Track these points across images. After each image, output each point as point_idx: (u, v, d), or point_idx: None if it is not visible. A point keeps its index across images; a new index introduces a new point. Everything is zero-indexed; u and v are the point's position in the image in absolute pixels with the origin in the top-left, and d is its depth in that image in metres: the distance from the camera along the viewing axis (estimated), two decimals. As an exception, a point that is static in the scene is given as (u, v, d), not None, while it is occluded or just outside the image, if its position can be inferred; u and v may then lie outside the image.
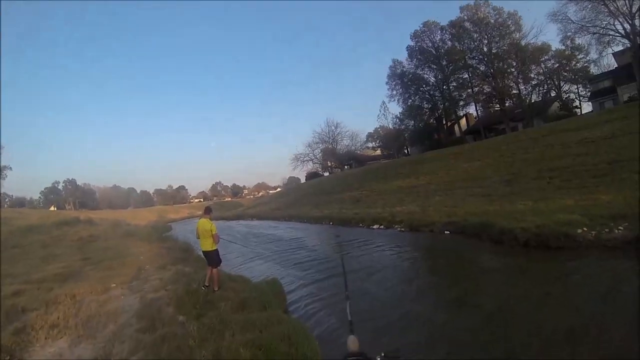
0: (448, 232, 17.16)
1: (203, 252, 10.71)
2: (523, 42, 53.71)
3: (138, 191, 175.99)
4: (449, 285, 10.21)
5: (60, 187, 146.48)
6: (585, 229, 11.42)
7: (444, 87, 64.20)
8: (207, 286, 10.32)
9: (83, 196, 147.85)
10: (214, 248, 10.40)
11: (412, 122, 70.54)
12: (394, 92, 69.84)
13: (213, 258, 10.42)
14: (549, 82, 58.58)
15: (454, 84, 63.18)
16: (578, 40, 50.68)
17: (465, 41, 57.95)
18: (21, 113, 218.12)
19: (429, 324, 7.51)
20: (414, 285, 10.38)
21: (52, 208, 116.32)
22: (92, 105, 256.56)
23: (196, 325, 7.36)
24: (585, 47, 51.30)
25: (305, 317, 8.91)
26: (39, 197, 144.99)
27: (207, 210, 11.06)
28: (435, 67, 63.82)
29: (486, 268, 11.30)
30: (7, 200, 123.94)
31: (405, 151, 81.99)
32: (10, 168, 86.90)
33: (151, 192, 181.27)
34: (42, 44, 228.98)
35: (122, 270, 14.34)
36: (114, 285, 11.98)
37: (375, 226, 23.10)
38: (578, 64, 56.35)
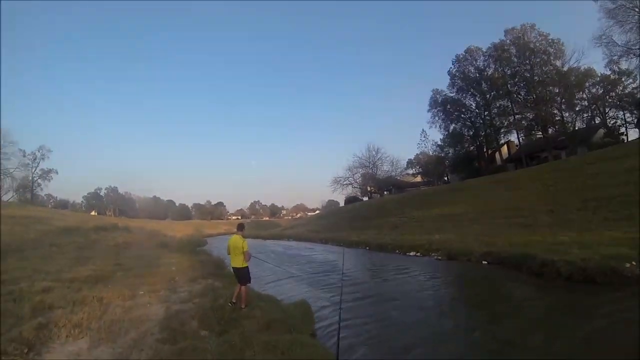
0: (486, 263, 16.69)
1: (233, 268, 10.60)
2: (566, 68, 52.38)
3: (177, 204, 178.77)
4: (479, 318, 9.89)
5: (102, 193, 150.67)
6: (634, 263, 10.86)
7: (485, 113, 63.24)
8: (234, 303, 10.22)
9: (123, 204, 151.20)
10: (245, 265, 10.31)
11: (453, 149, 69.73)
12: (436, 119, 69.35)
13: (243, 275, 10.33)
14: (593, 108, 56.92)
15: (495, 111, 62.05)
16: (624, 65, 49.24)
17: (507, 66, 57.05)
18: (67, 119, 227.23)
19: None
20: (443, 316, 10.08)
21: (93, 213, 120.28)
22: (140, 125, 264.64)
23: (217, 341, 7.28)
24: (632, 71, 49.81)
25: (332, 341, 8.45)
26: (82, 202, 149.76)
27: (240, 227, 11.00)
28: (476, 93, 63.08)
29: (525, 303, 10.71)
30: (51, 201, 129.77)
31: (445, 178, 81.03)
32: (57, 172, 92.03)
33: (190, 206, 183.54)
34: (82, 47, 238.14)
35: (152, 279, 14.49)
36: (142, 292, 12.06)
37: (412, 253, 22.72)
38: (624, 89, 54.46)
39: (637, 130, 52.96)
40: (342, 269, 14.67)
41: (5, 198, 73.84)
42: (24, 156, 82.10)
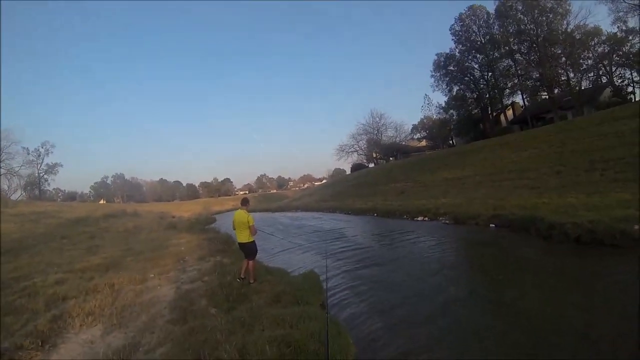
0: (493, 226, 16.73)
1: (239, 244, 10.62)
2: (572, 26, 51.34)
3: (184, 184, 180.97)
4: (482, 281, 10.01)
5: (109, 181, 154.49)
6: (643, 224, 10.82)
7: (489, 74, 62.46)
8: (243, 278, 10.32)
9: (131, 190, 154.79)
10: (251, 240, 10.35)
11: (457, 112, 69.28)
12: (439, 82, 68.51)
13: (250, 250, 10.39)
14: (599, 67, 56.08)
15: (499, 72, 61.08)
16: (630, 22, 48.18)
17: (512, 24, 55.66)
18: (69, 111, 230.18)
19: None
20: (442, 278, 10.20)
21: (101, 201, 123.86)
22: (138, 105, 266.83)
23: (225, 318, 7.33)
24: (639, 29, 48.77)
25: (341, 311, 8.66)
26: (89, 192, 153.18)
27: (244, 202, 10.98)
28: (479, 54, 62.17)
29: (532, 265, 10.73)
30: (60, 195, 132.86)
31: (451, 142, 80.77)
32: (61, 165, 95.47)
33: (197, 185, 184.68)
34: (75, 41, 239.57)
35: (161, 261, 14.63)
36: (152, 275, 12.24)
37: (419, 218, 22.90)
38: (632, 48, 53.15)
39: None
40: (326, 249, 15.09)
41: (14, 197, 75.46)
42: (28, 154, 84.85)
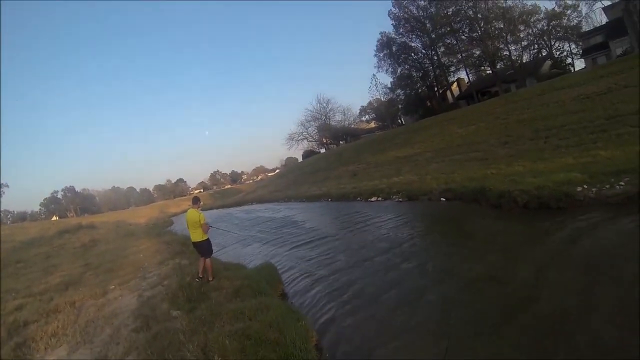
0: (444, 200, 16.97)
1: (193, 243, 10.53)
2: (510, 2, 52.63)
3: (137, 190, 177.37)
4: (427, 250, 10.44)
5: (59, 196, 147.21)
6: (585, 186, 11.13)
7: (432, 53, 63.45)
8: (201, 278, 10.30)
9: (83, 202, 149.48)
10: (205, 238, 10.24)
11: (403, 91, 70.06)
12: (383, 63, 69.24)
13: (205, 248, 10.31)
14: (539, 41, 57.76)
15: (442, 50, 62.27)
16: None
17: (449, 4, 56.70)
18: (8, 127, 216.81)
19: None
20: (391, 255, 10.44)
21: (54, 218, 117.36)
22: (80, 110, 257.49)
23: (187, 319, 7.39)
24: (575, 3, 50.46)
25: (300, 299, 8.95)
26: (40, 209, 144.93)
27: (195, 201, 10.86)
28: (421, 33, 62.89)
29: (478, 232, 11.13)
30: (9, 216, 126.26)
31: (400, 121, 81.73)
32: (7, 185, 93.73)
33: (151, 189, 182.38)
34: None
35: (121, 271, 14.50)
36: (113, 287, 12.07)
37: (373, 199, 22.97)
38: (569, 22, 55.41)
39: (582, 60, 54.13)
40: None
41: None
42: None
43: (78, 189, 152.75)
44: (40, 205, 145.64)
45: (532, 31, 55.63)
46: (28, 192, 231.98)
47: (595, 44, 49.55)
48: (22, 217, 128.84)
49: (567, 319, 5.38)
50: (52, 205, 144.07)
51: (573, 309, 5.61)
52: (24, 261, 23.74)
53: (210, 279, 10.19)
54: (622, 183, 10.44)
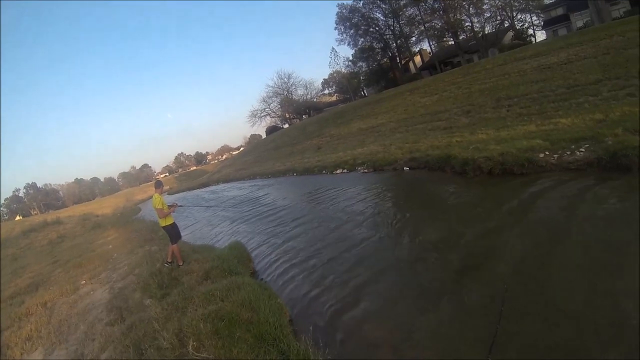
0: (408, 169, 17.03)
1: (162, 228, 10.30)
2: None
3: (102, 179, 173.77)
4: (386, 216, 10.86)
5: (21, 194, 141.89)
6: (547, 153, 11.28)
7: (394, 23, 62.94)
8: (170, 262, 10.20)
9: (46, 198, 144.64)
10: (169, 223, 10.04)
11: (365, 63, 69.81)
12: (344, 36, 67.96)
13: (172, 233, 10.10)
14: (502, 13, 58.11)
15: (405, 21, 61.68)
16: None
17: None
18: None
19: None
20: (358, 224, 10.75)
21: (17, 218, 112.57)
22: (33, 99, 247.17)
23: (160, 306, 7.34)
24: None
25: (271, 275, 9.08)
26: (2, 210, 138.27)
27: (157, 185, 10.61)
28: (382, 4, 62.14)
29: (444, 200, 11.32)
30: None
31: (362, 93, 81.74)
32: None
33: (115, 177, 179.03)
34: None
35: (91, 265, 14.35)
36: (84, 282, 11.94)
37: (338, 171, 23.01)
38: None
39: (544, 32, 54.87)
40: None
41: None
42: None
43: (40, 185, 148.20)
44: (1, 206, 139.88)
45: (495, 3, 55.79)
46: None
47: (556, 16, 50.56)
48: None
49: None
50: (15, 204, 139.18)
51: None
52: (-11, 267, 23.16)
53: (180, 263, 10.11)
54: (582, 150, 10.60)
